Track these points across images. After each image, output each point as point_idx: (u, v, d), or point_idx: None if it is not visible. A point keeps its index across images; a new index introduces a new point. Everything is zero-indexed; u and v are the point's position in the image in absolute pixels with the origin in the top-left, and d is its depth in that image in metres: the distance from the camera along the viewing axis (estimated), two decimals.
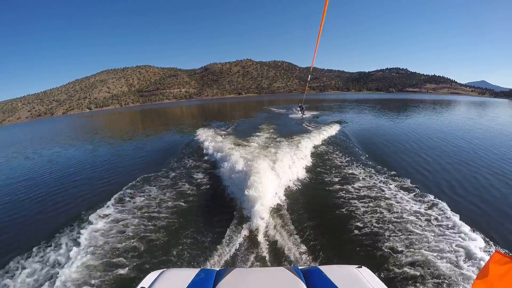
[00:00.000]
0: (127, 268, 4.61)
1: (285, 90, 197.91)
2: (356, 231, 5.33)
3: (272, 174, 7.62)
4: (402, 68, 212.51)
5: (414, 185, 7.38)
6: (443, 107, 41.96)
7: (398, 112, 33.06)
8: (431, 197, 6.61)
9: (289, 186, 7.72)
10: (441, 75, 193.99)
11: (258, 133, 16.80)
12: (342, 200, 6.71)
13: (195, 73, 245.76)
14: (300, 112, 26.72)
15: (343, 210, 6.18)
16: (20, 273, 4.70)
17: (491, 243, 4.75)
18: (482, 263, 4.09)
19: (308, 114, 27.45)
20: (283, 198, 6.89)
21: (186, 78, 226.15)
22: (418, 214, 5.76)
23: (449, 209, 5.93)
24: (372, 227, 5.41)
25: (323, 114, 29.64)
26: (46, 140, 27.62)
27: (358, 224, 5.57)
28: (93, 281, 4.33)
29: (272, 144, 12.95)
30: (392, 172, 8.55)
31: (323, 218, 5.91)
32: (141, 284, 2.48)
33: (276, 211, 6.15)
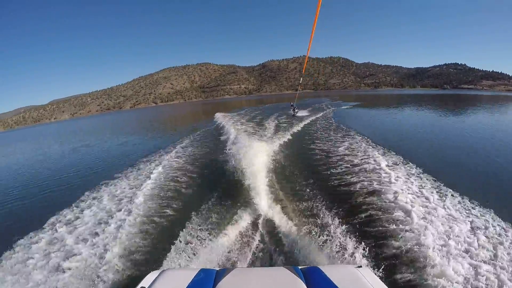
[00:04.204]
0: (126, 268, 4.65)
1: (340, 86, 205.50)
2: (356, 230, 5.27)
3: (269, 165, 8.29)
4: (460, 64, 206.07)
5: (419, 184, 7.17)
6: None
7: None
8: (438, 195, 6.45)
9: (288, 185, 7.71)
10: (500, 71, 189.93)
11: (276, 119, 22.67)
12: (343, 198, 6.69)
13: (253, 70, 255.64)
14: (291, 111, 26.25)
15: (343, 209, 6.15)
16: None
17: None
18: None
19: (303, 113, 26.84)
20: (283, 197, 6.96)
21: (245, 75, 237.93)
22: (422, 214, 5.57)
23: (459, 211, 5.75)
24: (373, 227, 5.42)
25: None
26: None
27: (358, 223, 5.57)
28: (92, 281, 4.38)
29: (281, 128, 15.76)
30: (400, 168, 8.39)
31: (323, 217, 5.88)
32: (140, 284, 2.53)
33: (276, 211, 6.18)
